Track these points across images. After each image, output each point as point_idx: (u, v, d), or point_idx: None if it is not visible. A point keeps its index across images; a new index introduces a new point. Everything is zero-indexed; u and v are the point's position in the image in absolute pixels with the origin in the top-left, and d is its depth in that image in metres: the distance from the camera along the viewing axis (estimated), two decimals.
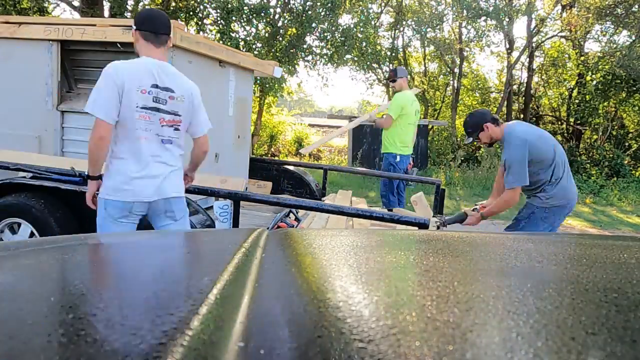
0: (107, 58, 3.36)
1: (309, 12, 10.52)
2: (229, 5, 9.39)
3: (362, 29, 11.41)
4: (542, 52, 13.53)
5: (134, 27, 2.14)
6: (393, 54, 13.86)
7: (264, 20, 10.53)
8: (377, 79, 15.28)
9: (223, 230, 1.79)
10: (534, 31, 12.83)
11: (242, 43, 9.87)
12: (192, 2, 10.14)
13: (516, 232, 3.01)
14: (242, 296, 0.51)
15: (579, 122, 12.63)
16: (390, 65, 14.38)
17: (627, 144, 12.54)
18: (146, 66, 2.07)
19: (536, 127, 3.22)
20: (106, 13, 9.97)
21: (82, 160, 2.43)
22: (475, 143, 3.29)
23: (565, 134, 13.08)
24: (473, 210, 3.26)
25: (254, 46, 10.17)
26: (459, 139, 12.93)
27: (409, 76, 4.92)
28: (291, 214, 3.15)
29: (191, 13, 10.23)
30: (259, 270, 0.64)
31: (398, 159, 4.65)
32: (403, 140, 4.66)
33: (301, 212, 3.71)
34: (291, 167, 4.80)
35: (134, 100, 2.03)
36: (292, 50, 10.71)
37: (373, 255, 0.77)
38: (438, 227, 3.02)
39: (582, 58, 12.25)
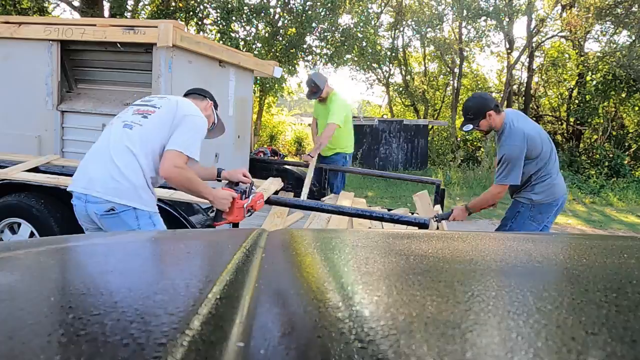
0: (107, 58, 3.37)
1: (309, 12, 10.52)
2: (229, 5, 9.39)
3: (362, 29, 11.42)
4: (542, 52, 13.53)
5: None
6: (393, 54, 13.87)
7: (264, 20, 10.54)
8: (377, 79, 15.29)
9: (223, 230, 1.79)
10: (534, 31, 12.83)
11: (242, 43, 9.87)
12: (192, 2, 10.14)
13: (512, 232, 2.99)
14: (242, 296, 0.51)
15: (578, 122, 12.63)
16: (391, 65, 14.39)
17: (627, 144, 12.54)
18: None
19: (531, 120, 3.12)
20: (106, 13, 9.97)
21: None
22: (473, 133, 3.22)
23: (565, 134, 13.08)
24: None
25: (254, 46, 10.17)
26: (459, 139, 12.93)
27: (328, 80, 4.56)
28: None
29: (191, 13, 10.23)
30: (259, 270, 0.64)
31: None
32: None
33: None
34: (291, 167, 4.79)
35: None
36: (292, 50, 10.71)
37: (373, 255, 0.77)
38: (437, 227, 3.02)
39: (582, 58, 12.25)
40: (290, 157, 13.37)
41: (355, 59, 12.90)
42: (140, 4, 11.04)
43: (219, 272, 0.59)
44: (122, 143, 1.95)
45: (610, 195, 9.31)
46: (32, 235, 2.92)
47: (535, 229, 2.95)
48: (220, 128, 2.45)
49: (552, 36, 13.22)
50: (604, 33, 12.48)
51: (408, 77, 14.69)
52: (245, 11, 9.77)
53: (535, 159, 2.83)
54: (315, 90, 4.33)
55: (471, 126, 2.93)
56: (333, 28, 10.98)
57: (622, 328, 0.42)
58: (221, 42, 8.83)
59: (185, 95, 2.31)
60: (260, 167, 4.66)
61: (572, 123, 12.89)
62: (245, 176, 2.33)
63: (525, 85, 13.63)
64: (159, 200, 2.69)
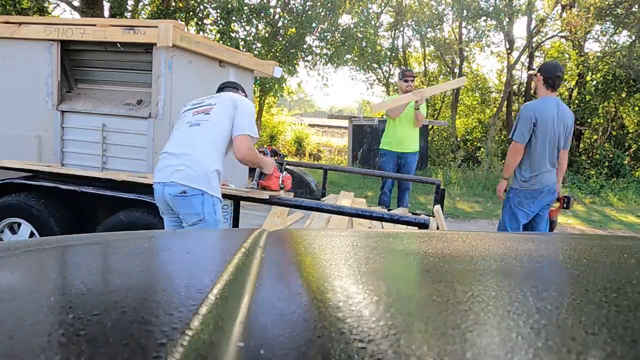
0: (107, 58, 3.37)
1: (309, 12, 10.53)
2: (229, 5, 9.40)
3: (362, 29, 11.42)
4: (542, 52, 13.53)
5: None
6: (393, 54, 13.86)
7: (264, 20, 10.54)
8: (377, 79, 15.28)
9: (223, 230, 1.79)
10: (534, 31, 12.83)
11: (242, 43, 9.87)
12: (192, 2, 10.14)
13: (513, 232, 3.02)
14: (242, 296, 0.51)
15: (578, 122, 12.61)
16: (391, 65, 14.38)
17: (627, 144, 12.54)
18: None
19: (560, 103, 3.31)
20: (106, 13, 9.97)
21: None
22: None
23: None
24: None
25: (254, 46, 10.17)
26: (458, 139, 12.92)
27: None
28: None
29: (191, 13, 10.23)
30: (259, 270, 0.64)
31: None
32: None
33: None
34: (291, 167, 4.79)
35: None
36: (292, 50, 10.71)
37: (373, 255, 0.77)
38: (437, 227, 3.01)
39: (582, 58, 12.25)
40: (290, 157, 13.37)
41: (355, 59, 12.89)
42: (140, 4, 11.05)
43: (219, 272, 0.59)
44: (192, 137, 2.25)
45: (610, 196, 9.31)
46: (32, 235, 2.92)
47: (522, 215, 3.27)
48: None
49: (552, 36, 13.22)
50: (604, 33, 12.49)
51: None
52: (245, 11, 9.77)
53: (539, 137, 3.14)
54: (413, 75, 4.74)
55: (533, 72, 3.39)
56: (333, 28, 10.98)
57: (622, 328, 0.42)
58: (221, 42, 8.83)
59: (220, 90, 2.61)
60: None
61: None
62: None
63: (525, 85, 13.62)
64: None
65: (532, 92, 13.43)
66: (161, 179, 2.21)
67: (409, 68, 5.10)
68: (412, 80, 4.70)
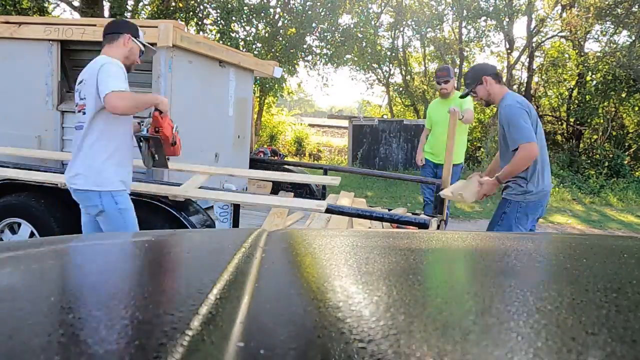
0: None
1: (309, 12, 10.52)
2: (229, 5, 9.40)
3: (362, 29, 11.42)
4: (542, 52, 13.53)
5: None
6: (393, 54, 13.86)
7: (264, 20, 10.54)
8: (377, 79, 15.29)
9: (223, 230, 1.79)
10: (534, 31, 12.83)
11: (242, 43, 9.87)
12: (192, 2, 10.14)
13: (512, 233, 2.95)
14: (242, 296, 0.51)
15: (578, 122, 12.62)
16: (391, 65, 14.38)
17: (627, 144, 12.54)
18: None
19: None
20: (106, 13, 9.97)
21: None
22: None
23: (565, 134, 13.08)
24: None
25: (254, 46, 10.16)
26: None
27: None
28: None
29: (191, 13, 10.23)
30: (259, 270, 0.64)
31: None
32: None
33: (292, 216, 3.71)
34: (291, 167, 4.79)
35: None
36: (292, 50, 10.71)
37: (373, 256, 0.77)
38: (438, 227, 3.01)
39: (582, 58, 12.25)
40: (290, 157, 13.37)
41: (355, 59, 12.90)
42: (140, 4, 11.04)
43: (219, 272, 0.59)
44: (82, 139, 2.21)
45: (610, 196, 9.31)
46: (32, 235, 2.92)
47: (521, 229, 2.76)
48: (150, 50, 2.53)
49: (552, 36, 13.22)
50: (604, 33, 12.48)
51: (408, 77, 14.70)
52: (245, 11, 9.77)
53: (538, 133, 2.67)
54: (448, 76, 4.15)
55: (467, 90, 2.86)
56: (333, 28, 10.98)
57: (622, 328, 0.42)
58: (221, 42, 8.83)
59: (103, 37, 2.36)
60: (260, 167, 4.66)
61: (572, 123, 12.88)
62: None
63: (525, 85, 13.61)
64: (159, 200, 2.70)
65: (532, 92, 13.45)
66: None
67: (443, 66, 4.31)
68: (446, 82, 4.12)
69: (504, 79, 13.21)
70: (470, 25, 13.07)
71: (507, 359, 0.35)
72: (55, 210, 2.88)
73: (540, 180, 2.72)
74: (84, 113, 2.21)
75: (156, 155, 2.42)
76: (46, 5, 10.50)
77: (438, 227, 3.14)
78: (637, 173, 11.54)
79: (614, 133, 12.46)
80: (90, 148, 2.21)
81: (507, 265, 0.72)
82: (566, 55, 13.08)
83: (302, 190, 4.46)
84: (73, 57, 3.41)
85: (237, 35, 10.06)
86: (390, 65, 14.42)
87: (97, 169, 2.20)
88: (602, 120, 12.51)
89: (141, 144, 2.41)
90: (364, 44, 11.93)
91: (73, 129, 2.40)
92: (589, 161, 11.58)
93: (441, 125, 4.05)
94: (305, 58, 11.45)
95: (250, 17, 10.01)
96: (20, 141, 3.41)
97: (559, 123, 13.62)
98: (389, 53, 13.69)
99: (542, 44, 13.25)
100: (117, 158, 2.25)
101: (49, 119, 3.37)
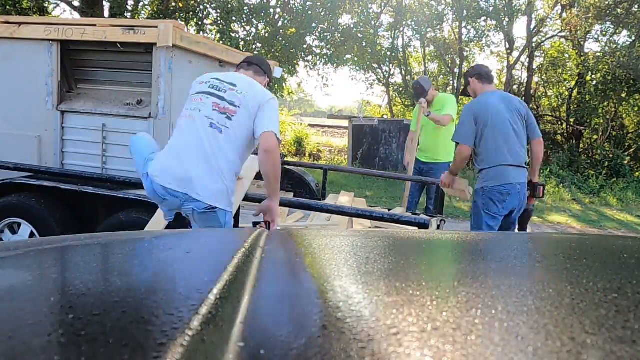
0: (107, 58, 3.36)
1: (309, 12, 10.53)
2: (229, 5, 9.40)
3: (362, 29, 11.42)
4: (542, 52, 13.53)
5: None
6: (393, 54, 13.87)
7: (264, 20, 10.54)
8: (377, 79, 15.29)
9: (223, 230, 1.78)
10: (534, 31, 12.84)
11: (242, 43, 9.87)
12: (192, 2, 10.15)
13: (512, 233, 2.96)
14: (242, 296, 0.51)
15: (578, 122, 12.62)
16: (391, 65, 14.39)
17: (627, 144, 12.54)
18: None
19: (505, 96, 3.12)
20: (106, 13, 9.97)
21: None
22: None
23: (565, 134, 13.08)
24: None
25: (254, 46, 10.17)
26: None
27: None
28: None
29: (191, 13, 10.23)
30: (259, 270, 0.64)
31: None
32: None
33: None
34: (291, 167, 4.79)
35: (191, 92, 2.18)
36: (292, 51, 10.71)
37: (373, 255, 0.77)
38: (438, 227, 3.01)
39: (582, 58, 12.25)
40: (290, 158, 13.36)
41: (355, 59, 12.89)
42: (140, 4, 11.05)
43: (219, 272, 0.59)
44: (217, 145, 2.03)
45: (609, 196, 9.31)
46: (32, 235, 2.92)
47: (490, 218, 2.92)
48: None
49: (552, 36, 13.23)
50: (604, 33, 12.49)
51: (408, 77, 14.70)
52: (245, 11, 9.78)
53: (485, 129, 2.88)
54: (421, 91, 4.34)
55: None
56: (333, 28, 10.98)
57: (622, 328, 0.42)
58: (221, 42, 8.83)
59: (247, 62, 2.40)
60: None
61: (572, 123, 12.88)
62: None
63: (525, 85, 13.62)
64: None
65: (532, 92, 13.45)
66: (178, 187, 2.01)
67: (414, 82, 4.46)
68: (424, 97, 4.30)
69: (504, 79, 13.27)
70: (470, 26, 13.09)
71: (507, 359, 0.35)
72: (55, 210, 2.88)
73: (492, 159, 2.91)
74: (230, 119, 2.07)
75: None
76: (46, 5, 10.51)
77: (438, 227, 3.15)
78: (637, 173, 11.54)
79: (614, 133, 12.46)
80: (227, 161, 2.08)
81: (507, 265, 0.72)
82: (566, 56, 13.08)
83: (302, 190, 4.46)
84: (73, 57, 3.41)
85: (237, 35, 10.06)
86: (390, 65, 14.43)
87: (232, 190, 2.12)
88: (602, 121, 12.52)
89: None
90: (364, 44, 11.93)
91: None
92: (588, 161, 11.58)
93: (427, 126, 4.37)
94: (305, 58, 11.45)
95: (250, 17, 10.02)
96: (20, 141, 3.41)
97: (559, 123, 13.62)
98: (389, 53, 13.69)
99: (542, 44, 13.26)
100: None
101: (49, 119, 3.37)
